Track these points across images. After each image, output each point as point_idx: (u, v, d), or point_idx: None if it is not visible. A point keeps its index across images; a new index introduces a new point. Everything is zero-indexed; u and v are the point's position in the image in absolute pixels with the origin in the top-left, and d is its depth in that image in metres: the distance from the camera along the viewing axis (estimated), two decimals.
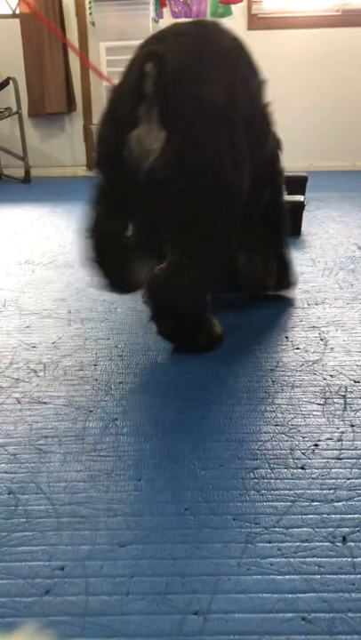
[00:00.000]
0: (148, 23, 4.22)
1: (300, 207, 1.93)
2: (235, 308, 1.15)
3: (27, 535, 0.52)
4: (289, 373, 0.85)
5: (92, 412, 0.75)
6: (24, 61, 4.56)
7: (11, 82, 4.22)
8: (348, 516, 0.54)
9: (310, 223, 2.14)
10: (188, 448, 0.65)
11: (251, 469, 0.61)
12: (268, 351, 0.94)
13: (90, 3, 4.16)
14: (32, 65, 4.48)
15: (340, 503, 0.55)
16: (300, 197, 1.93)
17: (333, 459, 0.63)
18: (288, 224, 1.18)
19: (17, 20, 4.44)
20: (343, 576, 0.47)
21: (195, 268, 0.86)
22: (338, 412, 0.73)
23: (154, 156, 0.84)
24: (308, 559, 0.49)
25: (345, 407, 0.74)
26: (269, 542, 0.51)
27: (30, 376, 0.87)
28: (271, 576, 0.47)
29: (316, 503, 0.56)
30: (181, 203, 0.86)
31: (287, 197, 1.96)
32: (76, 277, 1.42)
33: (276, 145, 1.12)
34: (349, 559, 0.48)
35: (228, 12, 4.37)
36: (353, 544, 0.50)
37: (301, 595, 0.45)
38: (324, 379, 0.83)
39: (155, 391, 0.80)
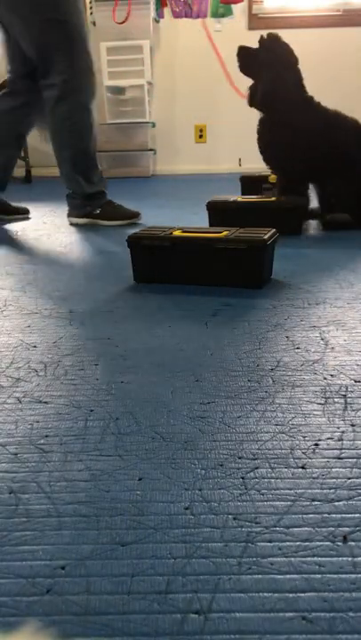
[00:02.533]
0: (149, 23, 4.22)
1: (298, 208, 1.93)
2: (233, 307, 1.15)
3: (27, 534, 0.52)
4: (289, 373, 0.85)
5: (93, 411, 0.75)
6: None
7: None
8: (349, 515, 0.54)
9: (311, 223, 2.14)
10: (189, 448, 0.65)
11: (251, 469, 0.61)
12: (268, 351, 0.94)
13: (90, 2, 4.16)
14: None
15: (340, 502, 0.56)
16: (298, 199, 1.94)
17: (334, 458, 0.63)
18: None
19: None
20: (344, 575, 0.47)
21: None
22: (338, 412, 0.73)
23: None
24: (309, 558, 0.49)
25: (346, 407, 0.74)
26: (270, 542, 0.51)
27: (31, 375, 0.87)
28: (272, 575, 0.47)
29: (316, 503, 0.56)
30: None
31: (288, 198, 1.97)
32: (77, 277, 1.42)
33: None
34: (350, 559, 0.48)
35: (228, 12, 4.37)
36: (353, 543, 0.50)
37: (302, 594, 0.45)
38: (325, 378, 0.83)
39: (156, 391, 0.80)
